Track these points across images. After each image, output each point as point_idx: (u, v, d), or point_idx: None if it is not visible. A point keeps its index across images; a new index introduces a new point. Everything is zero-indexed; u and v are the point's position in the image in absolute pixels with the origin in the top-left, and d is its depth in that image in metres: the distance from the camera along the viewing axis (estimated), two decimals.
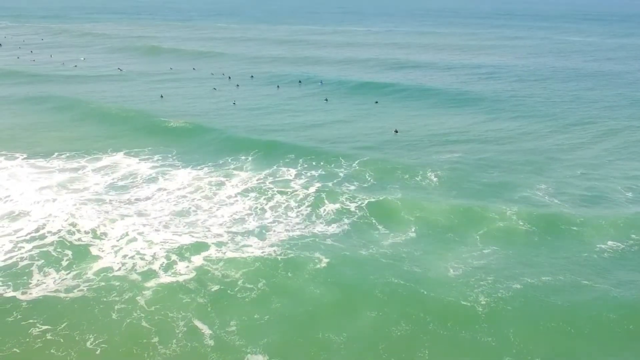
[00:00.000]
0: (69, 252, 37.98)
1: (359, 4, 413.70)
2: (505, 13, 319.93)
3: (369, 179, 52.05)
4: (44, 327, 30.47)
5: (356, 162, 55.79)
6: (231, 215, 44.11)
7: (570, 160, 58.26)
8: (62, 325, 30.60)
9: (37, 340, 29.62)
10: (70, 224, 41.41)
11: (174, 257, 37.47)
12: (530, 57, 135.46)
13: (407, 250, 39.07)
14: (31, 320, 30.97)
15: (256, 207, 45.64)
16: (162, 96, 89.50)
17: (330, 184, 50.16)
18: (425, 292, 33.79)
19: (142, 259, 37.25)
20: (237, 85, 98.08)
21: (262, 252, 37.80)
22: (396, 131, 68.50)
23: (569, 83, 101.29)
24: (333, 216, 44.22)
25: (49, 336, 29.85)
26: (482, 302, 32.95)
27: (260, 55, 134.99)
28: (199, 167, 54.94)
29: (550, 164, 56.93)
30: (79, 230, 40.52)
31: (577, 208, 45.93)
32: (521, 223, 42.76)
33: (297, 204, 46.11)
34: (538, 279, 35.47)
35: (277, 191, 48.47)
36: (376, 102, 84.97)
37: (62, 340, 29.62)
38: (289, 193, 48.13)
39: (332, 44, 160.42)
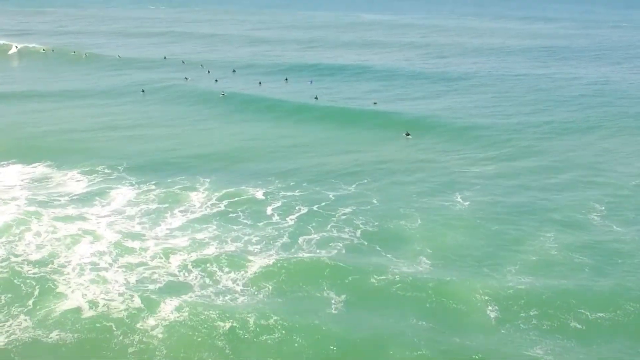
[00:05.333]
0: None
1: None
2: None
3: (374, 201, 44.60)
4: None
5: (356, 179, 48.66)
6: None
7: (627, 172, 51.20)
8: None
9: None
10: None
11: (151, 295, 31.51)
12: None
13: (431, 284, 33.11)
14: None
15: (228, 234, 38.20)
16: (143, 91, 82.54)
17: (324, 206, 43.02)
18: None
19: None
20: (216, 81, 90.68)
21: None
22: (408, 134, 61.48)
23: None
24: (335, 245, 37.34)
25: None
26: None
27: (250, 47, 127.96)
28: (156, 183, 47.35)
29: (603, 177, 49.92)
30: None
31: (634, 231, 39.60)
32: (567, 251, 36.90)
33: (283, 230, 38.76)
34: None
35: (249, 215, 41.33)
36: (375, 103, 75.79)
37: None
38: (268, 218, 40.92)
39: (343, 41, 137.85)
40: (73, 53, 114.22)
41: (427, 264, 35.28)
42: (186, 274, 33.73)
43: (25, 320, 29.54)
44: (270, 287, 32.67)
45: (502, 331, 29.27)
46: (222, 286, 32.71)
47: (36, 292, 31.69)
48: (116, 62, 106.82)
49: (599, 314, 30.46)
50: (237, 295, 31.95)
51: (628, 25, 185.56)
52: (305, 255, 35.94)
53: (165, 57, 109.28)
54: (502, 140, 59.69)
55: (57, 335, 28.46)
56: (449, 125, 64.56)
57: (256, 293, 32.17)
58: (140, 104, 76.33)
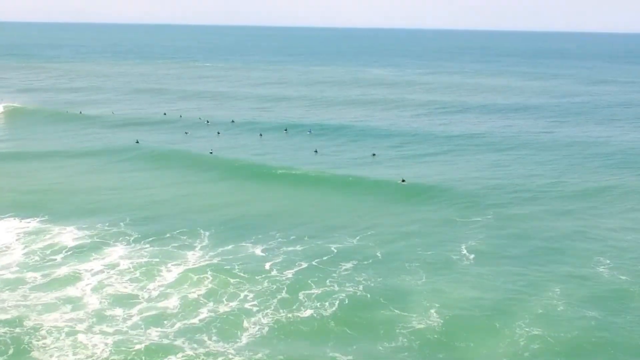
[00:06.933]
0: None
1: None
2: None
3: (378, 254, 43.96)
4: None
5: (359, 234, 48.11)
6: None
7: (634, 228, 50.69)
8: None
9: None
10: None
11: None
12: None
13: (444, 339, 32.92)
14: None
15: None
16: (137, 141, 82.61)
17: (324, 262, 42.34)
18: None
19: None
20: (218, 133, 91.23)
21: None
22: (403, 180, 60.76)
23: None
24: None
25: None
26: None
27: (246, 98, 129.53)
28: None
29: (609, 233, 49.30)
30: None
31: None
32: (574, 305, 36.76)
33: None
34: None
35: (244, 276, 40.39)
36: (374, 155, 76.67)
37: None
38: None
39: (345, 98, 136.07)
40: (67, 112, 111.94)
41: (437, 320, 34.71)
42: (175, 337, 32.73)
43: None
44: (269, 347, 31.56)
45: None
46: (213, 349, 31.58)
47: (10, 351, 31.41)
48: (113, 119, 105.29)
49: None
50: (230, 356, 30.85)
51: (631, 80, 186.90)
52: (308, 311, 35.46)
53: (165, 113, 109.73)
54: (507, 198, 58.79)
55: None
56: (452, 182, 63.67)
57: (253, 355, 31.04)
58: (136, 162, 74.77)
